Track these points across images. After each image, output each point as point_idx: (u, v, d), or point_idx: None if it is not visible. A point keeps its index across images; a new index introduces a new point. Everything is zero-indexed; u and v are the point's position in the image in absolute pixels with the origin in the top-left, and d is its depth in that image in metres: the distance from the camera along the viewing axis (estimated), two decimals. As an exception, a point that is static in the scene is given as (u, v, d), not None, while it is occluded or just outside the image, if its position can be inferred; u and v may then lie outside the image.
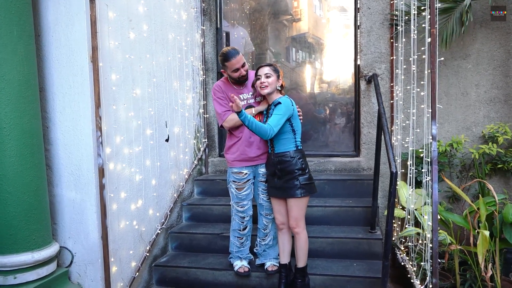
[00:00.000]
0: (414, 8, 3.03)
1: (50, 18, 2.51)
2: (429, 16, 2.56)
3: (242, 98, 2.91)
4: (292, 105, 2.69)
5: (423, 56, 2.79)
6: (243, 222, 2.99)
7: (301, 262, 2.77)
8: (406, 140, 3.41)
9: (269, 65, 2.73)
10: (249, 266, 3.01)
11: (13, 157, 2.25)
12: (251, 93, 2.92)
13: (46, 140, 2.57)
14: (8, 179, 2.24)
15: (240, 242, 3.03)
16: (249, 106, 2.91)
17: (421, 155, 2.85)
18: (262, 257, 3.07)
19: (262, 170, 2.92)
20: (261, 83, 2.69)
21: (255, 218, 3.09)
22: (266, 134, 2.57)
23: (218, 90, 2.92)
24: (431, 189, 2.51)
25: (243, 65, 2.81)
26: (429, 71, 2.75)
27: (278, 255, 2.99)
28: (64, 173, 2.59)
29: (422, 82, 3.12)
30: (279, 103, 2.64)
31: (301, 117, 2.86)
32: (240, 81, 2.89)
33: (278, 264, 2.97)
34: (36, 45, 2.45)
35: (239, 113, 2.49)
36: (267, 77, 2.68)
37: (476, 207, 2.91)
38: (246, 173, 2.92)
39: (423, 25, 3.01)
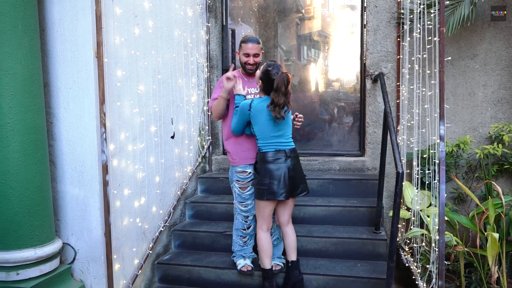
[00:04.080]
0: (419, 6, 2.99)
1: (55, 13, 2.49)
2: (434, 14, 2.53)
3: (250, 92, 2.94)
4: (249, 109, 2.66)
5: (425, 56, 2.76)
6: (247, 222, 2.97)
7: (295, 255, 2.84)
8: (411, 140, 3.38)
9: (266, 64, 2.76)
10: (252, 265, 2.98)
11: (17, 152, 2.23)
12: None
13: (50, 135, 2.55)
14: (12, 175, 2.22)
15: (243, 241, 3.01)
16: None
17: (426, 155, 2.82)
18: None
19: None
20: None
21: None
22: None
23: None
24: (438, 190, 2.48)
25: (255, 55, 2.85)
26: (435, 70, 2.72)
27: (282, 254, 2.97)
28: (68, 169, 2.57)
29: (432, 82, 3.08)
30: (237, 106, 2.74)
31: (300, 121, 2.89)
32: (247, 70, 2.91)
33: (281, 264, 2.96)
34: (40, 40, 2.44)
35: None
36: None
37: (485, 207, 2.87)
38: (250, 172, 2.90)
39: (430, 24, 2.97)
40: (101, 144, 2.53)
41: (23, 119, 2.24)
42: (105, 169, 2.54)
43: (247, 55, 2.86)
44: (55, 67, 2.53)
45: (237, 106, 2.76)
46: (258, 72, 2.72)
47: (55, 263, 2.43)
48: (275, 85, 2.53)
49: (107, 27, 2.59)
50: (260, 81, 2.66)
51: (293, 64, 4.41)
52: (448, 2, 3.38)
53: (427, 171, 2.90)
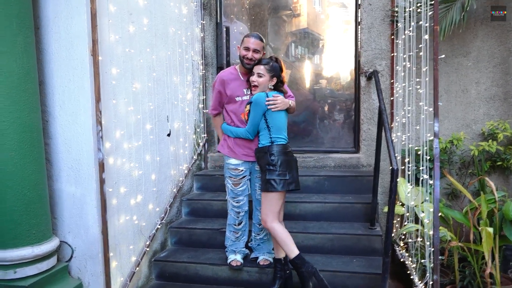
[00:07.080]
0: (412, 5, 3.01)
1: (50, 11, 2.48)
2: (425, 13, 2.55)
3: (246, 93, 2.91)
4: (267, 97, 2.67)
5: (420, 53, 2.78)
6: (238, 217, 3.00)
7: (284, 253, 2.76)
8: (403, 138, 3.40)
9: (266, 63, 2.70)
10: (241, 261, 3.03)
11: (13, 151, 2.22)
12: None
13: (45, 134, 2.55)
14: (8, 173, 2.22)
15: (235, 236, 3.06)
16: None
17: (420, 152, 2.85)
18: (256, 251, 3.10)
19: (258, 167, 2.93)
20: (252, 81, 2.73)
21: (252, 214, 3.09)
22: (247, 137, 2.77)
23: (219, 81, 2.94)
24: (433, 186, 2.51)
25: (255, 51, 2.78)
26: (424, 69, 2.75)
27: (273, 249, 3.00)
28: (64, 167, 2.57)
29: (418, 80, 3.11)
30: (251, 102, 2.68)
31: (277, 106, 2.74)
32: (244, 65, 2.84)
33: (270, 259, 3.01)
34: (35, 38, 2.42)
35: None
36: (259, 76, 2.69)
37: (478, 203, 2.91)
38: (242, 170, 2.93)
39: (421, 22, 3.00)
40: (97, 142, 2.52)
41: (18, 118, 2.24)
42: (101, 167, 2.54)
43: (247, 49, 2.79)
44: (50, 65, 2.52)
45: (250, 103, 2.75)
46: (261, 80, 2.70)
47: (52, 261, 2.43)
48: (283, 67, 2.77)
49: (101, 25, 2.58)
50: (275, 79, 2.72)
51: (288, 62, 4.42)
52: (441, 6, 3.41)
53: (421, 168, 2.92)
